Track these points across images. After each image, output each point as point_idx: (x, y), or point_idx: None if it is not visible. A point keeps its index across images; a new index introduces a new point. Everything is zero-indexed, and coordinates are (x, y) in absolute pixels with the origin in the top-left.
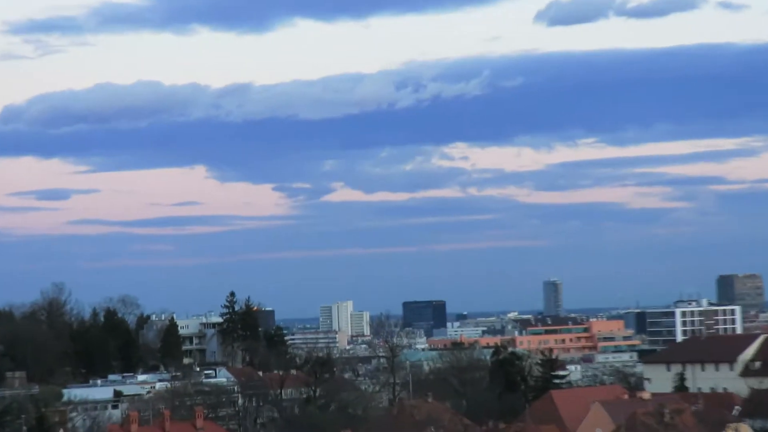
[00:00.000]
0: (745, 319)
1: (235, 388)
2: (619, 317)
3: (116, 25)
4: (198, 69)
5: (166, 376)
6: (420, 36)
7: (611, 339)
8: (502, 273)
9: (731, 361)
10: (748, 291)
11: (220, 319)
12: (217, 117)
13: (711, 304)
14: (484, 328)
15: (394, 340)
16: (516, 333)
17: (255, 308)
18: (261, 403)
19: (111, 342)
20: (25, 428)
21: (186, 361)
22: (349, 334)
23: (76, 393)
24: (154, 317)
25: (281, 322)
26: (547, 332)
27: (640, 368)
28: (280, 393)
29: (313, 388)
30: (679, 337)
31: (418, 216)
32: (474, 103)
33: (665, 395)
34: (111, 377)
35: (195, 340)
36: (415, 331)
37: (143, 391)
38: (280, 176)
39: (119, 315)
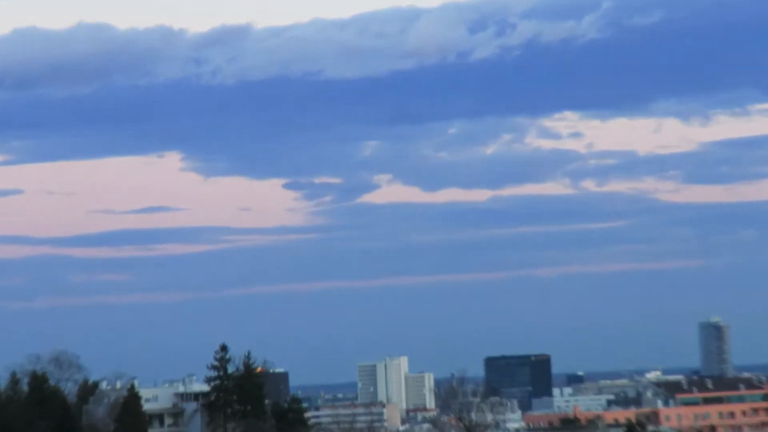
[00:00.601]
0: None
1: None
2: None
3: None
4: (169, 5)
5: None
6: None
7: None
8: (636, 311)
9: None
10: None
11: (205, 387)
12: (198, 78)
13: None
14: (610, 397)
15: (473, 415)
16: (659, 403)
17: (259, 369)
18: None
19: (40, 422)
20: None
21: None
22: (404, 407)
23: None
24: (104, 385)
25: (299, 389)
26: (706, 401)
27: None
28: None
29: None
30: None
31: (506, 225)
32: (589, 52)
33: None
34: None
35: (168, 420)
36: (505, 402)
37: None
38: (294, 167)
39: (51, 382)
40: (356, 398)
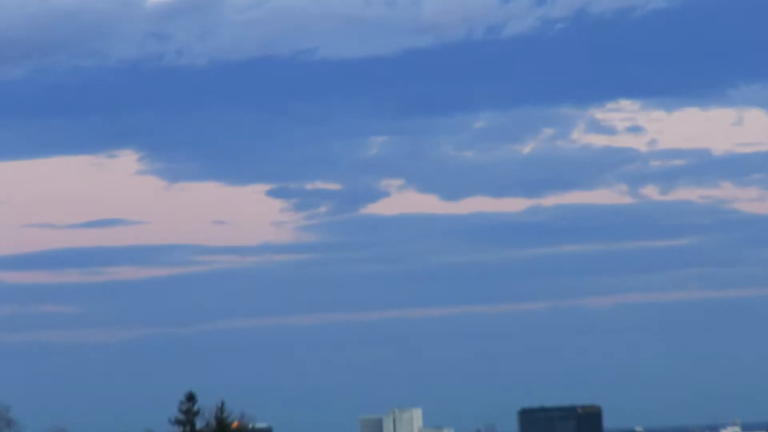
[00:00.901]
0: None
1: None
2: None
3: None
4: None
5: None
6: None
7: None
8: (709, 352)
9: None
10: None
11: None
12: (159, 58)
13: None
14: None
15: None
16: None
17: (235, 424)
18: None
19: None
20: None
21: None
22: None
23: None
24: None
25: None
26: None
27: None
28: None
29: None
30: None
31: (546, 242)
32: (651, 25)
33: None
34: None
35: None
36: None
37: None
38: (281, 170)
39: None
40: None
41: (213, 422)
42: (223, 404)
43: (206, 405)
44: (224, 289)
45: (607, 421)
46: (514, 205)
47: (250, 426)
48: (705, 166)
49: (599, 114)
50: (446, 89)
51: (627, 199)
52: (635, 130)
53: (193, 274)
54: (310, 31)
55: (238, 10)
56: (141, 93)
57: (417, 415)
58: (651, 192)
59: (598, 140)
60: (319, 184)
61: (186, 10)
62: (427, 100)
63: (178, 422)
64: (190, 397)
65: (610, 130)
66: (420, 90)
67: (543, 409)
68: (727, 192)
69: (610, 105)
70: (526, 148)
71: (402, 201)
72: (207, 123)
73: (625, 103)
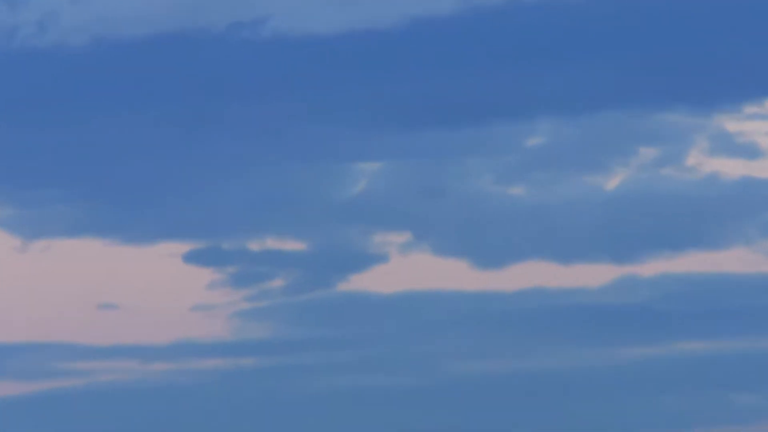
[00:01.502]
0: None
1: None
2: None
3: None
4: None
5: None
6: None
7: None
8: None
9: None
10: None
11: None
12: (10, 34)
13: None
14: None
15: None
16: None
17: None
18: None
19: None
20: None
21: None
22: None
23: None
24: None
25: None
26: None
27: None
28: None
29: None
30: None
31: (648, 337)
32: None
33: None
34: None
35: None
36: None
37: None
38: (206, 218)
39: None
40: None
41: None
42: None
43: None
44: (114, 415)
45: None
46: (592, 275)
47: None
48: None
49: (732, 123)
50: (479, 82)
51: None
52: None
53: (64, 392)
54: None
55: None
56: None
57: None
58: None
59: (732, 167)
60: (272, 243)
61: None
62: (449, 101)
63: None
64: None
65: (751, 150)
66: (436, 84)
67: None
68: None
69: (750, 108)
70: (612, 181)
71: (408, 269)
72: (87, 140)
73: None
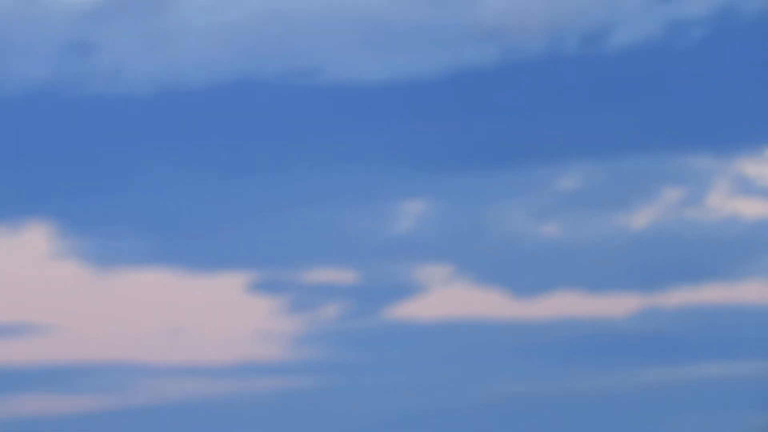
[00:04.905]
0: None
1: None
2: None
3: None
4: None
5: None
6: None
7: None
8: None
9: None
10: None
11: None
12: (80, 81)
13: None
14: None
15: None
16: None
17: None
18: None
19: None
20: None
21: None
22: None
23: None
24: None
25: None
26: None
27: None
28: None
29: None
30: None
31: (672, 361)
32: None
33: None
34: None
35: None
36: None
37: None
38: (265, 251)
39: None
40: None
41: None
42: None
43: None
44: (181, 430)
45: None
46: (620, 305)
47: None
48: None
49: (752, 166)
50: (516, 128)
51: None
52: None
53: (135, 409)
54: (311, 41)
55: (200, 8)
56: (55, 134)
57: None
58: None
59: (752, 207)
60: (325, 274)
61: (123, 9)
62: (488, 145)
63: None
64: None
65: None
66: (477, 129)
67: None
68: None
69: None
70: (639, 220)
71: (449, 298)
72: (154, 180)
73: None
